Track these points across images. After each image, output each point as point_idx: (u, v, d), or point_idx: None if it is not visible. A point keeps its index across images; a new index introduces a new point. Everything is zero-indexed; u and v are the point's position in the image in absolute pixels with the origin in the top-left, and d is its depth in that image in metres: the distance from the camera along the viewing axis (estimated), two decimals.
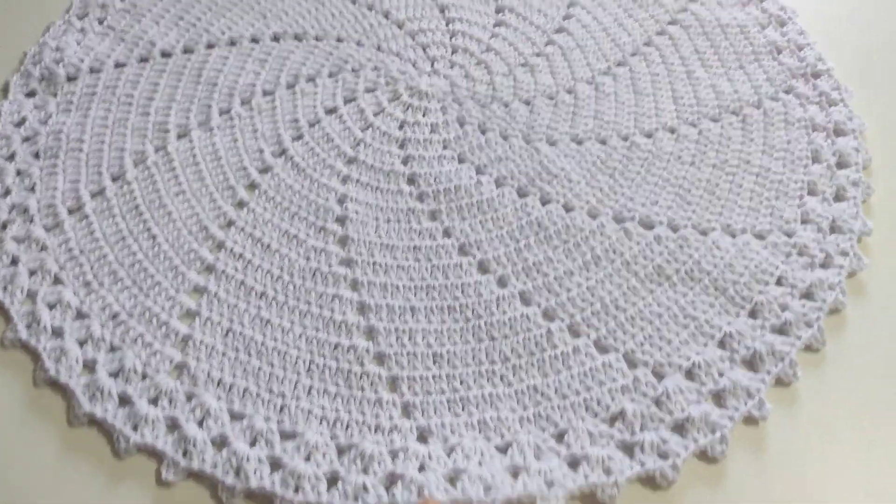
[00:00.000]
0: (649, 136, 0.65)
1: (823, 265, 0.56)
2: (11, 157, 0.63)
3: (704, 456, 0.47)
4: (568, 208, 0.60)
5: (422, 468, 0.45)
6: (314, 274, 0.56)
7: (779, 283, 0.55)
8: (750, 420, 0.49)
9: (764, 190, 0.61)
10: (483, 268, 0.57)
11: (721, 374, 0.50)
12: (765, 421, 0.48)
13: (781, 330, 0.52)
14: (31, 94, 0.69)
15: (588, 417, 0.48)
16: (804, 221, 0.59)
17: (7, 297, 0.54)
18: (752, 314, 0.53)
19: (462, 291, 0.55)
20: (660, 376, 0.50)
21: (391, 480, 0.45)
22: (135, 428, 0.47)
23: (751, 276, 0.55)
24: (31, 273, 0.56)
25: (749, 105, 0.67)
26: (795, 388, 0.50)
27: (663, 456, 0.46)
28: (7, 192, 0.61)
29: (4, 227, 0.59)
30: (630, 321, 0.53)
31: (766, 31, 0.74)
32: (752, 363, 0.51)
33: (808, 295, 0.54)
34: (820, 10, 0.77)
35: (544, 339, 0.52)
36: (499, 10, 0.77)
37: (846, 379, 0.51)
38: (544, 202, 0.61)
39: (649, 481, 0.46)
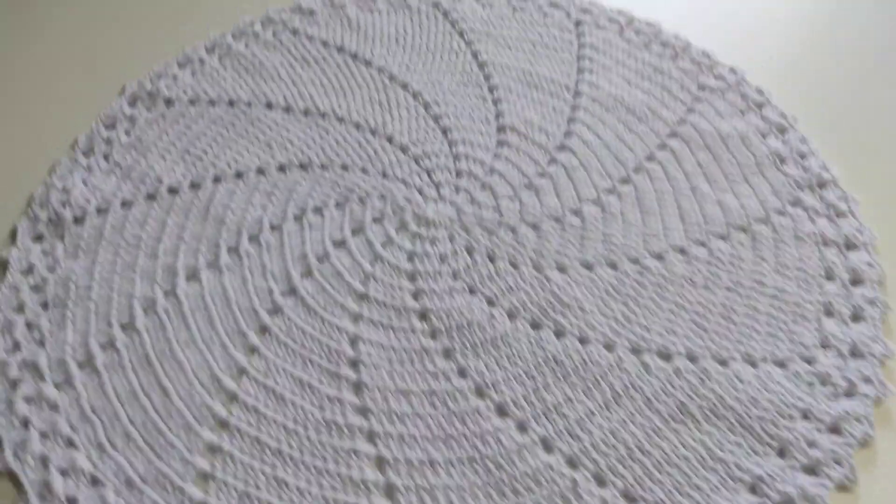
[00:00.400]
0: (659, 258, 0.65)
1: (848, 394, 0.55)
2: (20, 309, 0.63)
3: None
4: (583, 341, 0.60)
5: None
6: (329, 426, 0.55)
7: (804, 416, 0.54)
8: None
9: (781, 313, 0.60)
10: (502, 411, 0.56)
11: None
12: None
13: (812, 469, 0.51)
14: (38, 237, 0.69)
15: None
16: (824, 346, 0.58)
17: (19, 465, 0.53)
18: (781, 453, 0.52)
19: (482, 440, 0.54)
20: None
21: None
22: None
23: (776, 411, 0.54)
24: (43, 436, 0.55)
25: (757, 221, 0.67)
26: None
27: None
28: (16, 347, 0.60)
29: (14, 386, 0.58)
30: (657, 467, 0.52)
31: (767, 140, 0.74)
32: None
33: (835, 429, 0.53)
34: (818, 114, 0.78)
35: (570, 492, 0.51)
36: (500, 130, 0.78)
37: None
38: (559, 335, 0.60)
39: None
